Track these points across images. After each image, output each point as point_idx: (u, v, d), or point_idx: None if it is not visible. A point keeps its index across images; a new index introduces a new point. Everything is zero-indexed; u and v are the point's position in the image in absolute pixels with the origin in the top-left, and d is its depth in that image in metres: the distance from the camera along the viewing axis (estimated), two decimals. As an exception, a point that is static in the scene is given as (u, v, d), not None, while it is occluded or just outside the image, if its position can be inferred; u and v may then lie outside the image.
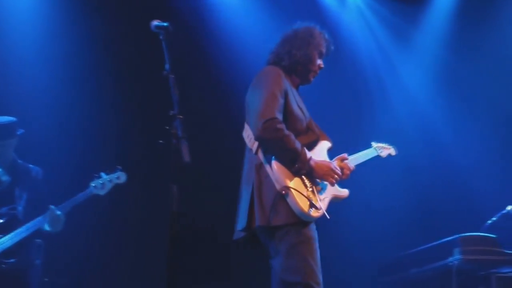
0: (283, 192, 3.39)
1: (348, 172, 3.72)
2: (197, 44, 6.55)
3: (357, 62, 7.28)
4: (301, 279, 3.38)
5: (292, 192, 3.39)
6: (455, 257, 4.90)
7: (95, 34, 6.24)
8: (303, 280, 3.37)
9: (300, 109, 3.67)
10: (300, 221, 3.42)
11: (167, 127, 3.20)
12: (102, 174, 4.90)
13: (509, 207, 5.71)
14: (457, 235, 5.00)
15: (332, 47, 3.91)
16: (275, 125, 3.42)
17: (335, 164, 3.66)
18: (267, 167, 3.48)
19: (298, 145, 3.47)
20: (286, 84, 3.65)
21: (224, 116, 6.56)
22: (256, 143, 3.55)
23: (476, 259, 4.92)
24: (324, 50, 3.85)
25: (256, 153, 3.55)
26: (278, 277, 3.50)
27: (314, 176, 3.54)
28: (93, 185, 4.83)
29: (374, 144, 4.30)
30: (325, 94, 6.15)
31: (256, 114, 3.49)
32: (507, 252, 4.99)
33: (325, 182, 3.60)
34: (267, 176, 3.46)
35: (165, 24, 3.46)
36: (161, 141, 3.29)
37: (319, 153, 3.68)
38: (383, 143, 4.35)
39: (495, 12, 7.47)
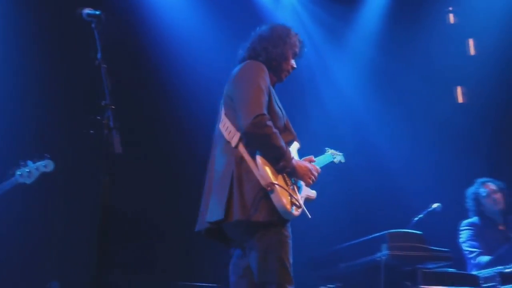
0: (269, 188, 3.34)
1: (316, 174, 3.70)
2: (130, 34, 6.46)
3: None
4: (276, 279, 3.36)
5: (277, 189, 3.36)
6: (383, 253, 4.95)
7: (24, 21, 6.07)
8: (278, 281, 3.36)
9: (279, 107, 3.67)
10: (281, 219, 3.40)
11: (99, 117, 3.16)
12: (29, 162, 4.77)
13: (434, 205, 5.90)
14: (385, 232, 5.06)
15: (305, 50, 3.97)
16: (265, 121, 3.40)
17: (310, 165, 3.68)
18: (250, 162, 3.42)
19: (284, 143, 3.47)
20: (269, 80, 3.65)
21: (158, 108, 6.51)
22: (237, 137, 3.49)
23: (402, 255, 4.98)
24: (297, 51, 3.90)
25: (237, 146, 3.49)
26: (242, 271, 3.52)
27: (295, 175, 3.55)
28: (19, 173, 4.71)
29: (328, 150, 4.41)
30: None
31: (244, 109, 3.45)
32: (432, 249, 5.08)
33: (302, 182, 3.62)
34: (249, 171, 3.41)
35: (97, 12, 3.38)
36: (91, 131, 3.23)
37: (293, 152, 3.65)
38: (334, 150, 4.46)
39: (425, 14, 7.67)
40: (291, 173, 3.52)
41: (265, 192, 3.35)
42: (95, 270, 3.03)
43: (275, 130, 3.43)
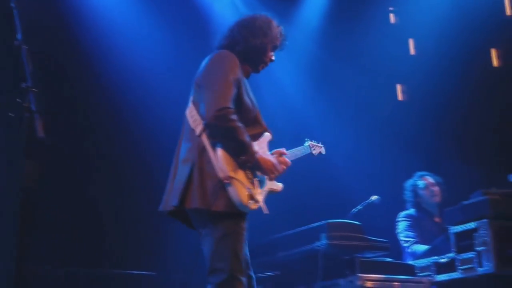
0: (226, 181, 3.37)
1: (285, 167, 3.73)
2: (56, 13, 6.28)
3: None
4: (226, 267, 3.37)
5: (234, 183, 3.37)
6: (322, 242, 5.01)
7: None
8: (229, 269, 3.37)
9: (250, 99, 3.64)
10: (238, 211, 3.41)
11: (19, 100, 3.03)
12: None
13: (373, 197, 6.04)
14: (324, 221, 5.12)
15: (286, 43, 3.91)
16: (228, 115, 3.38)
17: (275, 158, 3.67)
18: (211, 153, 3.43)
19: (247, 137, 3.46)
20: (240, 72, 3.62)
21: (84, 92, 6.41)
22: (201, 126, 3.49)
23: (341, 244, 5.06)
24: (278, 44, 3.85)
25: (200, 135, 3.49)
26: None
27: (258, 169, 3.55)
28: None
29: (308, 141, 4.42)
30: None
31: (209, 100, 3.43)
32: (370, 238, 5.18)
33: (265, 176, 3.61)
34: (210, 161, 3.41)
35: None
36: (11, 114, 3.14)
37: (261, 145, 3.66)
38: (315, 142, 4.48)
39: (367, 12, 7.78)
40: (254, 167, 3.52)
41: (223, 185, 3.37)
42: (16, 259, 2.89)
43: (239, 124, 3.42)
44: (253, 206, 3.45)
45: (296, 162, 6.99)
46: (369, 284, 4.90)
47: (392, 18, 8.23)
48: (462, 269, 4.98)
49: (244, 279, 3.40)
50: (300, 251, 5.23)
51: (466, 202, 5.16)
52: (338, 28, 7.76)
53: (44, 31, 5.88)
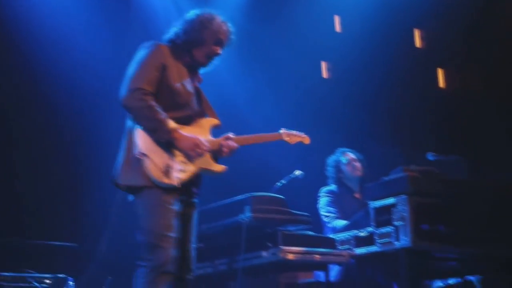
0: (139, 157, 3.65)
1: (226, 150, 4.02)
2: None
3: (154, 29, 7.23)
4: (147, 240, 3.65)
5: (147, 159, 3.65)
6: (246, 215, 5.06)
7: None
8: (153, 240, 3.63)
9: (183, 85, 3.87)
10: (154, 185, 3.65)
11: None
12: None
13: (296, 172, 6.12)
14: (248, 194, 5.17)
15: (233, 38, 4.12)
16: (140, 95, 3.67)
17: (205, 140, 3.86)
18: (133, 132, 3.73)
19: (161, 116, 3.69)
20: (168, 59, 3.87)
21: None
22: None
23: (264, 217, 5.10)
24: (223, 38, 4.06)
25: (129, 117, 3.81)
26: None
27: (178, 147, 3.75)
28: None
29: (282, 130, 4.63)
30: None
31: (125, 83, 3.74)
32: (292, 212, 5.24)
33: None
34: (132, 140, 3.72)
35: None
36: None
37: (198, 128, 3.93)
38: (293, 131, 4.66)
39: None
40: (172, 145, 3.74)
41: (139, 160, 3.65)
42: None
43: (151, 103, 3.67)
44: (167, 181, 3.67)
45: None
46: (290, 256, 4.96)
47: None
48: (380, 243, 5.11)
49: (164, 251, 3.60)
50: (224, 224, 5.27)
51: (386, 178, 5.27)
52: (265, 1, 7.77)
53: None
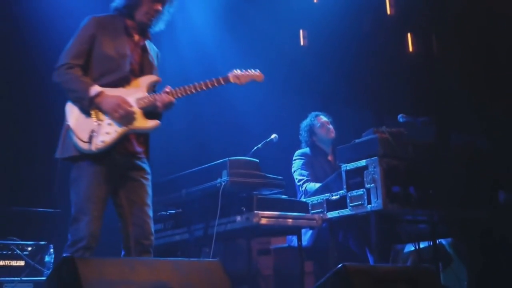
0: (66, 128, 3.78)
1: (160, 104, 3.95)
2: None
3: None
4: (73, 212, 3.72)
5: (71, 129, 3.77)
6: (223, 179, 5.05)
7: None
8: (74, 214, 3.70)
9: (117, 50, 3.95)
10: (83, 155, 3.72)
11: None
12: None
13: (272, 136, 6.14)
14: (226, 158, 5.15)
15: None
16: (63, 70, 3.85)
17: (135, 99, 3.91)
18: (65, 106, 3.91)
19: (82, 85, 3.82)
20: (101, 28, 3.96)
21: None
22: None
23: (241, 181, 5.08)
24: None
25: None
26: None
27: (102, 111, 3.82)
28: None
29: (230, 72, 4.27)
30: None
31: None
32: (267, 176, 5.24)
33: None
34: (65, 114, 3.88)
35: None
36: None
37: (133, 88, 3.96)
38: (243, 70, 4.34)
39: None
40: (98, 109, 3.83)
41: (67, 132, 3.79)
42: None
43: (73, 75, 3.82)
44: (87, 146, 3.73)
45: (198, 101, 7.17)
46: (264, 221, 4.95)
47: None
48: (352, 206, 5.13)
49: (83, 224, 3.65)
50: (202, 188, 5.24)
51: (357, 140, 5.26)
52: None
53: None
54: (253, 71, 4.37)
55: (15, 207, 6.14)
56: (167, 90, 4.03)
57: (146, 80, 4.05)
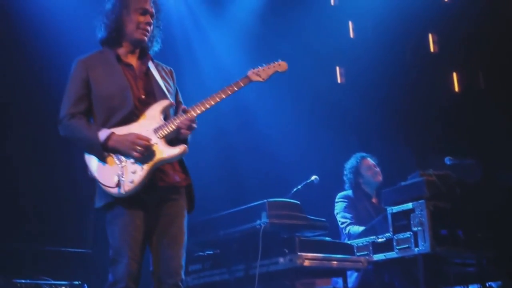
0: (92, 177, 3.58)
1: (184, 130, 3.62)
2: None
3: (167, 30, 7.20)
4: (111, 254, 3.54)
5: (97, 178, 3.56)
6: (263, 220, 5.00)
7: None
8: (112, 255, 3.53)
9: (115, 84, 3.65)
10: (116, 199, 3.52)
11: None
12: None
13: (312, 177, 6.09)
14: (264, 200, 5.10)
15: (156, 2, 3.80)
16: (65, 122, 3.62)
17: (151, 130, 3.59)
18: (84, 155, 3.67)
19: (88, 132, 3.57)
20: (91, 68, 3.68)
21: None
22: None
23: (281, 223, 5.05)
24: (144, 5, 3.74)
25: None
26: None
27: (120, 153, 3.55)
28: None
29: (249, 71, 3.88)
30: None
31: None
32: (309, 217, 5.21)
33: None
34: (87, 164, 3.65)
35: None
36: None
37: (146, 120, 3.63)
38: (263, 65, 3.91)
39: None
40: (116, 152, 3.55)
41: (95, 181, 3.59)
42: None
43: (76, 125, 3.60)
44: (123, 189, 3.50)
45: (234, 141, 7.09)
46: (307, 263, 4.91)
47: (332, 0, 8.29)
48: (398, 249, 5.10)
49: (121, 266, 3.48)
50: (241, 230, 5.21)
51: (403, 183, 5.26)
52: (279, 6, 7.79)
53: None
54: (274, 62, 3.94)
55: (48, 247, 6.04)
56: (186, 109, 3.67)
57: (157, 107, 3.67)
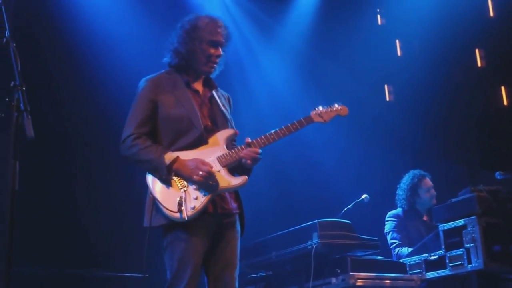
0: (152, 200, 3.59)
1: (249, 160, 3.65)
2: (44, 11, 6.27)
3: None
4: (169, 277, 3.58)
5: (158, 200, 3.56)
6: (314, 241, 5.02)
7: None
8: (169, 279, 3.57)
9: (184, 108, 3.69)
10: (174, 222, 3.55)
11: (8, 99, 2.94)
12: None
13: (363, 196, 6.04)
14: (315, 220, 5.13)
15: (227, 32, 3.86)
16: (130, 142, 3.62)
17: (214, 157, 3.64)
18: (146, 176, 3.66)
19: (154, 154, 3.58)
20: (160, 89, 3.73)
21: (74, 90, 6.35)
22: None
23: (332, 243, 5.06)
24: (215, 39, 3.79)
25: None
26: None
27: (183, 178, 3.59)
28: None
29: (312, 111, 3.94)
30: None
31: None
32: (361, 237, 5.21)
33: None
34: (147, 184, 3.65)
35: None
36: (1, 114, 3.12)
37: (211, 147, 3.68)
38: (325, 107, 3.98)
39: (355, 13, 7.88)
40: (179, 176, 3.59)
41: (155, 202, 3.59)
42: (5, 263, 2.82)
43: (141, 146, 3.60)
44: (185, 214, 3.52)
45: (284, 161, 7.13)
46: (360, 282, 4.90)
47: (379, 19, 8.34)
48: (451, 266, 5.05)
49: (182, 284, 3.51)
50: (293, 251, 5.24)
51: (454, 200, 5.21)
52: (327, 27, 7.84)
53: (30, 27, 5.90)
54: (336, 105, 4.01)
55: (106, 272, 6.15)
56: (250, 141, 3.70)
57: (222, 135, 3.73)
